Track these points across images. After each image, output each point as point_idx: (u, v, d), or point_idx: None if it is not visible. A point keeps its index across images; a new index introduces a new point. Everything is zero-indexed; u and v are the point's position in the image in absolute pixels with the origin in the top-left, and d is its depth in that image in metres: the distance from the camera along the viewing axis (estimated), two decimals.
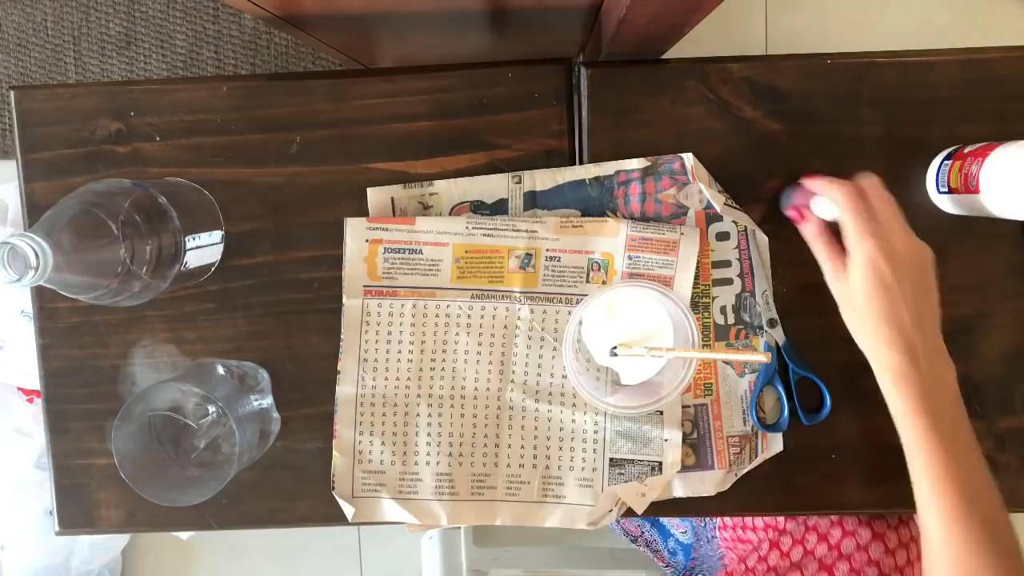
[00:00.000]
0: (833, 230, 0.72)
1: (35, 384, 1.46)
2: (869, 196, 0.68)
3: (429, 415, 0.82)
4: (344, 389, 0.82)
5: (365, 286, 0.82)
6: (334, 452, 0.83)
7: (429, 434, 0.82)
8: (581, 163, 0.83)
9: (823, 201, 0.73)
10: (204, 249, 0.80)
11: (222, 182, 0.84)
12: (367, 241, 0.82)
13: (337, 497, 0.83)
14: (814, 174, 0.73)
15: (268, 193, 0.84)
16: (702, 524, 1.09)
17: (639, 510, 0.81)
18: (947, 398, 0.65)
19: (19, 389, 1.51)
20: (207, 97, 0.83)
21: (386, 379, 0.82)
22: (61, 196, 0.69)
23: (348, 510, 0.82)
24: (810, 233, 0.71)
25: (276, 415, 0.82)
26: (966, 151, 0.75)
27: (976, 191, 0.71)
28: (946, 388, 0.65)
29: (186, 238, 0.75)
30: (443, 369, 0.82)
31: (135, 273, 0.68)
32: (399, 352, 0.82)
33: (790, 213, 0.76)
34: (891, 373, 0.65)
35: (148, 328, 0.85)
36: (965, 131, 0.80)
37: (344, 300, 0.82)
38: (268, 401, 0.82)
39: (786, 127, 0.81)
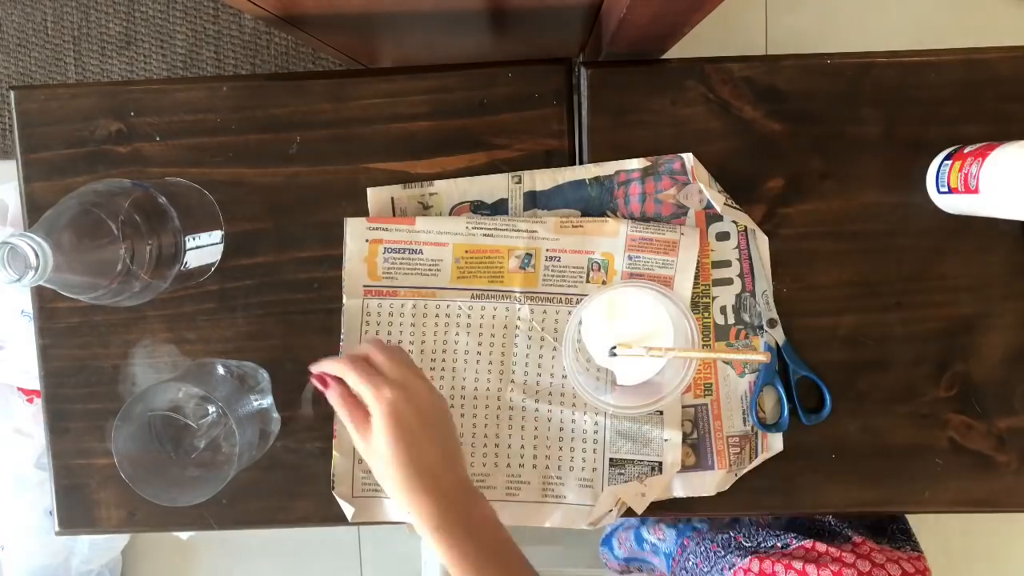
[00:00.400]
0: None
1: (35, 384, 1.46)
2: (372, 355, 0.67)
3: None
4: None
5: (365, 286, 0.82)
6: (334, 452, 0.83)
7: None
8: (581, 163, 0.83)
9: None
10: (204, 249, 0.80)
11: (222, 182, 0.84)
12: (367, 241, 0.82)
13: (337, 497, 0.83)
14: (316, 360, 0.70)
15: (268, 193, 0.83)
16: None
17: (639, 510, 0.81)
18: (488, 533, 0.65)
19: (19, 389, 1.51)
20: (207, 97, 0.83)
21: None
22: (61, 196, 0.69)
23: (348, 510, 0.82)
24: (334, 399, 0.67)
25: (276, 415, 0.82)
26: (966, 151, 0.75)
27: (976, 191, 0.71)
28: (486, 523, 0.65)
29: (186, 238, 0.75)
30: (443, 369, 0.82)
31: (135, 273, 0.68)
32: None
33: (314, 381, 0.69)
34: (424, 517, 0.63)
35: (148, 328, 0.85)
36: (965, 131, 0.80)
37: (344, 300, 0.82)
38: (268, 401, 0.82)
39: (786, 127, 0.81)
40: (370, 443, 0.65)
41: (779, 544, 0.94)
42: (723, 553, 1.04)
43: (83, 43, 1.74)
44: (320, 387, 0.68)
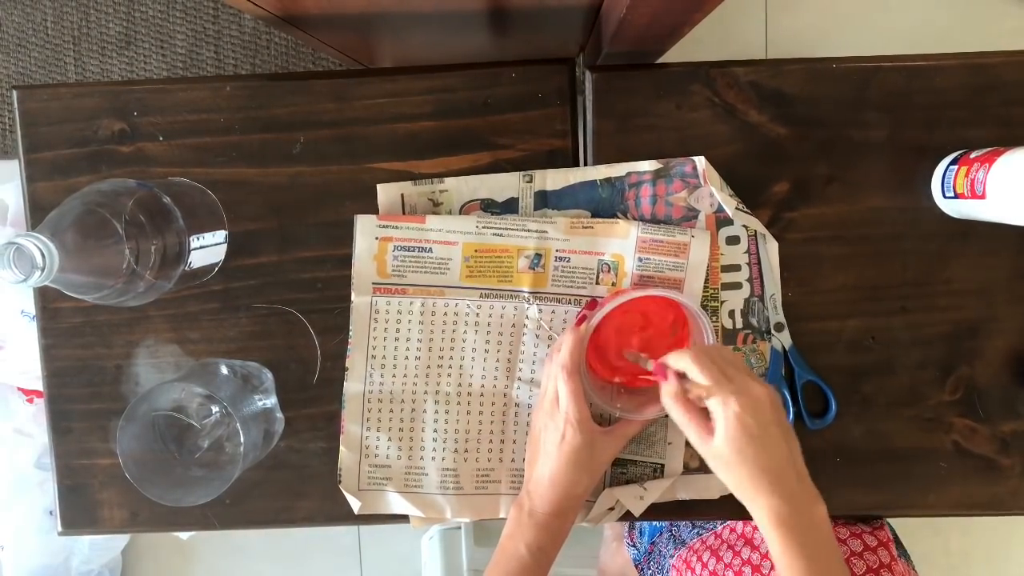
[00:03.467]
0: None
1: (35, 384, 1.47)
2: (717, 358, 0.69)
3: (436, 411, 0.82)
4: (352, 386, 0.82)
5: (374, 283, 0.82)
6: (341, 447, 0.83)
7: (435, 430, 0.82)
8: (585, 163, 0.83)
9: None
10: (208, 249, 0.79)
11: (225, 182, 0.83)
12: (377, 239, 0.81)
13: (343, 490, 0.83)
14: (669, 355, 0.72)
15: (271, 193, 0.83)
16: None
17: (637, 512, 0.81)
18: (823, 538, 0.66)
19: (19, 389, 1.50)
20: (210, 97, 0.83)
21: (394, 376, 0.82)
22: (64, 196, 0.69)
23: (354, 503, 0.83)
24: (669, 396, 0.70)
25: (280, 415, 0.82)
26: (972, 156, 0.75)
27: (983, 196, 0.71)
28: (821, 527, 0.66)
29: (190, 238, 0.75)
30: (450, 367, 0.82)
31: (139, 273, 0.68)
32: (407, 349, 0.82)
33: (656, 374, 0.72)
34: (772, 519, 0.65)
35: (151, 328, 0.84)
36: (971, 136, 0.80)
37: (353, 297, 0.82)
38: (272, 401, 0.82)
39: (792, 131, 0.81)
40: (710, 445, 0.67)
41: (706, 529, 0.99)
42: (668, 547, 1.06)
43: (83, 43, 1.74)
44: (657, 377, 0.71)
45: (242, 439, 0.73)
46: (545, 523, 0.75)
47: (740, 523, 0.94)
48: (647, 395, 0.79)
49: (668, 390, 0.70)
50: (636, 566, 1.19)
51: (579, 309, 0.81)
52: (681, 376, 0.70)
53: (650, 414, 0.77)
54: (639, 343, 0.80)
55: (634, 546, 1.22)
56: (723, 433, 0.66)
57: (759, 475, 0.65)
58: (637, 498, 0.81)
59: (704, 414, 0.68)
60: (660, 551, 1.11)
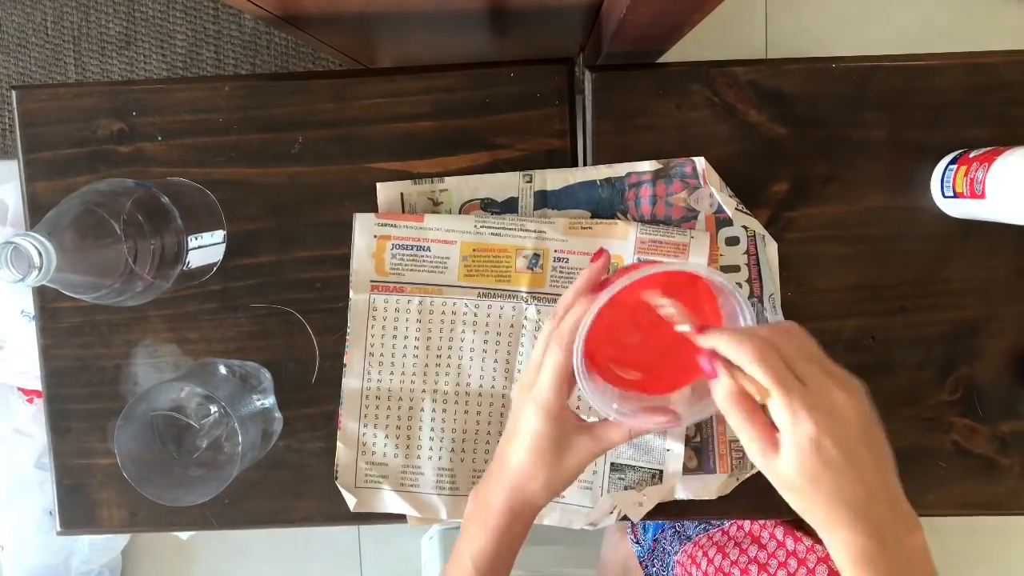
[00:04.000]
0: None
1: (35, 384, 1.47)
2: (786, 350, 0.53)
3: (433, 410, 0.82)
4: (350, 382, 0.82)
5: (372, 281, 0.82)
6: (338, 443, 0.83)
7: (432, 429, 0.82)
8: (584, 163, 0.83)
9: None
10: (206, 249, 0.79)
11: (224, 182, 0.83)
12: (376, 237, 0.81)
13: (340, 487, 0.83)
14: (706, 327, 0.57)
15: (270, 193, 0.83)
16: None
17: (636, 519, 0.81)
18: (919, 568, 0.54)
19: (19, 389, 1.51)
20: (209, 97, 0.83)
21: (391, 374, 0.82)
22: (63, 196, 0.68)
23: (350, 500, 0.83)
24: (724, 398, 0.54)
25: (278, 415, 0.82)
26: (972, 156, 0.74)
27: (982, 196, 0.71)
28: (916, 560, 0.53)
29: (188, 238, 0.75)
30: (448, 366, 0.82)
31: (138, 273, 0.68)
32: (405, 348, 0.82)
33: (703, 364, 0.56)
34: (852, 557, 0.52)
35: (150, 328, 0.84)
36: (970, 135, 0.80)
37: (351, 294, 0.82)
38: (270, 401, 0.82)
39: (792, 131, 0.81)
40: (775, 465, 0.53)
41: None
42: (673, 543, 1.06)
43: (83, 43, 1.74)
44: (707, 368, 0.55)
45: (240, 439, 0.73)
46: (494, 523, 0.63)
47: (748, 521, 0.94)
48: (651, 400, 0.67)
49: (723, 389, 0.54)
50: (640, 562, 1.19)
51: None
52: (734, 366, 0.54)
53: (650, 424, 0.63)
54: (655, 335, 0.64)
55: (638, 542, 1.22)
56: (792, 458, 0.52)
57: (839, 507, 0.52)
58: (636, 504, 0.81)
59: (769, 420, 0.54)
60: (664, 548, 1.11)
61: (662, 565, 1.10)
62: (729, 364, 0.54)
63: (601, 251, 0.64)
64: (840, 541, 0.53)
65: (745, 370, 0.53)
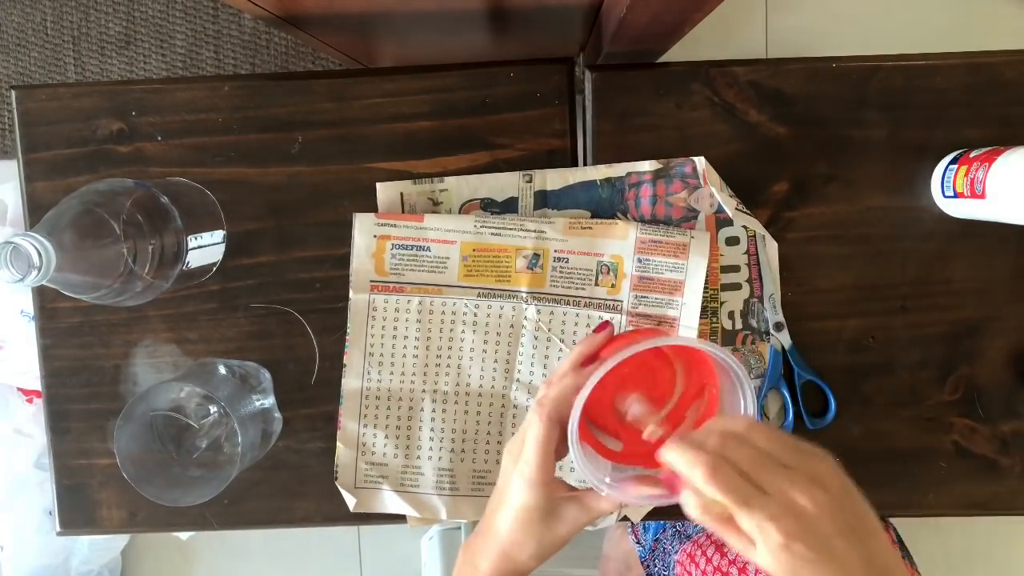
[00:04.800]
0: None
1: (35, 384, 1.47)
2: (740, 460, 0.51)
3: (433, 411, 0.82)
4: (349, 382, 0.82)
5: (372, 281, 0.82)
6: (338, 443, 0.83)
7: (432, 429, 0.82)
8: (584, 163, 0.83)
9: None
10: (206, 249, 0.79)
11: (224, 182, 0.83)
12: (375, 237, 0.81)
13: (340, 487, 0.83)
14: (662, 439, 0.55)
15: (270, 193, 0.83)
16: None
17: (636, 518, 0.81)
18: None
19: (19, 389, 1.50)
20: (209, 97, 0.83)
21: (391, 373, 0.82)
22: (62, 196, 0.68)
23: (350, 500, 0.83)
24: (694, 510, 0.52)
25: (278, 415, 0.82)
26: (972, 155, 0.74)
27: (983, 196, 0.71)
28: None
29: (188, 238, 0.75)
30: (448, 366, 0.82)
31: (137, 273, 0.68)
32: (404, 347, 0.82)
33: (666, 478, 0.55)
34: None
35: (150, 328, 0.84)
36: (970, 135, 0.80)
37: (351, 294, 0.82)
38: (270, 401, 0.82)
39: (792, 131, 0.81)
40: (758, 563, 0.51)
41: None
42: (673, 542, 1.07)
43: (83, 43, 1.74)
44: (671, 483, 0.54)
45: (240, 439, 0.73)
46: None
47: None
48: (644, 471, 0.63)
49: (691, 502, 0.52)
50: (641, 562, 1.19)
51: (578, 311, 0.81)
52: None
53: (643, 498, 0.59)
54: (650, 402, 0.63)
55: (639, 543, 1.22)
56: (769, 563, 0.50)
57: None
58: (636, 505, 0.81)
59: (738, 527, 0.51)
60: (664, 547, 1.11)
61: (663, 565, 1.10)
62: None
63: (605, 324, 0.63)
64: None
65: (706, 493, 0.51)
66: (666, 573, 1.09)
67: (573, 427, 0.57)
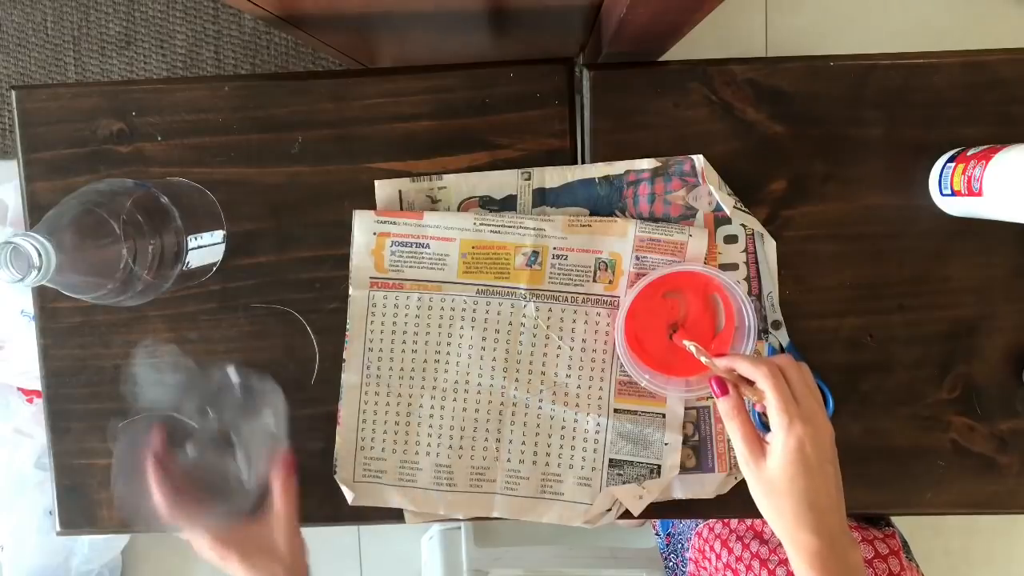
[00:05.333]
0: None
1: (35, 384, 1.47)
2: (789, 375, 0.66)
3: (432, 407, 0.82)
4: (349, 377, 0.83)
5: (372, 278, 0.82)
6: (337, 437, 0.83)
7: (431, 425, 0.82)
8: (583, 162, 0.83)
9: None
10: (206, 249, 0.79)
11: (224, 182, 0.83)
12: (375, 234, 0.82)
13: (338, 481, 0.83)
14: (726, 355, 0.71)
15: (270, 193, 0.83)
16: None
17: (636, 512, 0.81)
18: None
19: (19, 389, 1.51)
20: (209, 97, 0.83)
21: (391, 370, 0.82)
22: (62, 196, 0.68)
23: (348, 494, 0.83)
24: (727, 410, 0.67)
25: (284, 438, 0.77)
26: (969, 154, 0.75)
27: (980, 194, 0.71)
28: (858, 570, 0.64)
29: (188, 238, 0.75)
30: (447, 362, 0.82)
31: (137, 273, 0.68)
32: (404, 344, 0.82)
33: (711, 385, 0.69)
34: (809, 556, 0.63)
35: (150, 328, 0.84)
36: (968, 133, 0.80)
37: (351, 291, 0.82)
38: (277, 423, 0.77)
39: (789, 129, 0.81)
40: (762, 469, 0.64)
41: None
42: (688, 529, 1.08)
43: (83, 43, 1.74)
44: (716, 390, 0.68)
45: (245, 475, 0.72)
46: None
47: None
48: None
49: (727, 403, 0.67)
50: (661, 554, 1.21)
51: (576, 307, 0.81)
52: (741, 385, 0.68)
53: (674, 387, 0.79)
54: (679, 328, 0.79)
55: (657, 534, 1.24)
56: (779, 457, 0.63)
57: (805, 511, 0.63)
58: (636, 498, 0.81)
59: (759, 437, 0.66)
60: (679, 542, 1.12)
61: (680, 560, 1.11)
62: (734, 383, 0.68)
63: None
64: (800, 544, 0.63)
65: (757, 384, 0.66)
66: (682, 567, 1.10)
67: (620, 331, 0.78)
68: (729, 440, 0.82)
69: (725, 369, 0.69)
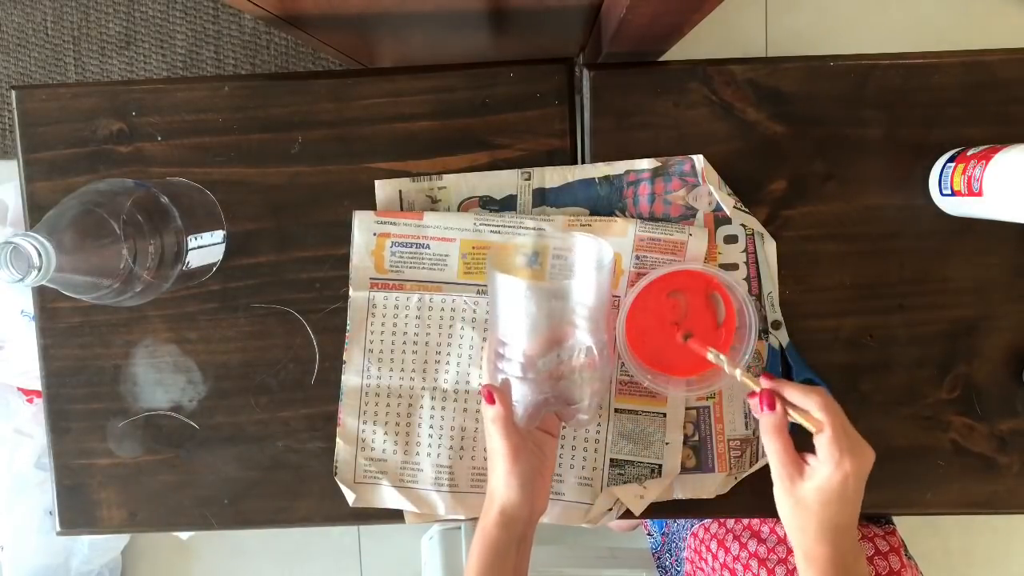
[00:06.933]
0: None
1: (35, 384, 1.47)
2: (835, 407, 0.68)
3: (432, 408, 0.82)
4: (349, 379, 0.83)
5: (372, 279, 0.82)
6: (337, 439, 0.83)
7: (431, 426, 0.82)
8: (583, 162, 0.83)
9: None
10: (206, 249, 0.79)
11: (224, 182, 0.83)
12: (375, 235, 0.82)
13: (339, 482, 0.83)
14: (773, 377, 0.70)
15: (270, 193, 0.83)
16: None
17: (636, 511, 0.81)
18: None
19: (19, 389, 1.51)
20: (209, 97, 0.83)
21: (391, 371, 0.82)
22: (62, 196, 0.68)
23: (349, 495, 0.83)
24: (771, 427, 0.68)
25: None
26: (969, 154, 0.75)
27: (980, 194, 0.71)
28: None
29: (188, 238, 0.75)
30: (447, 363, 0.82)
31: (137, 273, 0.68)
32: (404, 344, 0.82)
33: (755, 401, 0.70)
34: (819, 565, 0.66)
35: (150, 328, 0.84)
36: (968, 133, 0.80)
37: (351, 292, 0.82)
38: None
39: (789, 129, 0.81)
40: (796, 487, 0.67)
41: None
42: (683, 530, 1.08)
43: (83, 43, 1.74)
44: (764, 406, 0.69)
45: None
46: None
47: None
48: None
49: (772, 420, 0.68)
50: (653, 554, 1.20)
51: None
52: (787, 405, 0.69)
53: (675, 387, 0.79)
54: (682, 328, 0.79)
55: (650, 535, 1.23)
56: (820, 483, 0.65)
57: (830, 529, 0.66)
58: (637, 497, 0.81)
59: (798, 458, 0.68)
60: (674, 542, 1.12)
61: (675, 560, 1.11)
62: (783, 402, 0.69)
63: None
64: (815, 554, 0.67)
65: (812, 413, 0.67)
66: (678, 567, 1.10)
67: (621, 330, 0.77)
68: (729, 440, 0.82)
69: (768, 389, 0.70)
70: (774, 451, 0.68)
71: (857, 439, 0.66)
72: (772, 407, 0.69)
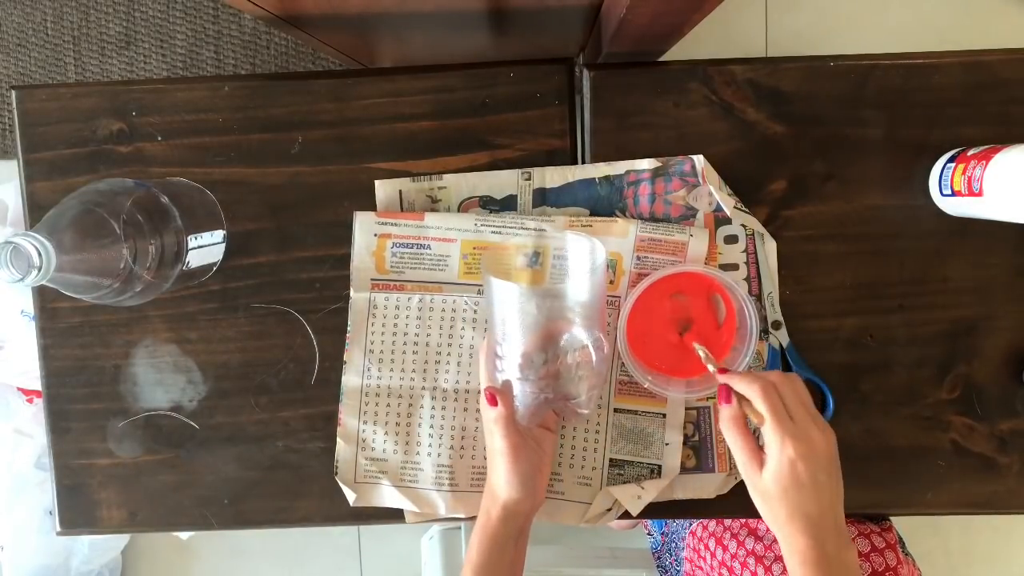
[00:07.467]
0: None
1: (35, 384, 1.47)
2: (784, 393, 0.68)
3: (432, 408, 0.82)
4: (349, 379, 0.83)
5: (372, 280, 0.82)
6: (338, 439, 0.83)
7: (432, 426, 0.82)
8: (583, 162, 0.83)
9: None
10: (206, 249, 0.79)
11: (224, 182, 0.83)
12: (376, 235, 0.82)
13: (339, 482, 0.83)
14: (726, 370, 0.72)
15: (270, 193, 0.83)
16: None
17: (634, 512, 0.81)
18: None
19: (19, 389, 1.51)
20: (209, 97, 0.83)
21: (391, 371, 0.82)
22: (63, 196, 0.68)
23: (350, 495, 0.83)
24: (728, 420, 0.70)
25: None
26: (969, 154, 0.75)
27: (980, 194, 0.71)
28: (849, 570, 0.67)
29: (188, 238, 0.75)
30: (448, 363, 0.82)
31: (137, 273, 0.68)
32: (404, 345, 0.82)
33: (720, 394, 0.72)
34: (800, 558, 0.66)
35: (150, 328, 0.84)
36: (968, 133, 0.80)
37: (351, 293, 0.82)
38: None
39: (789, 129, 0.81)
40: (759, 477, 0.68)
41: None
42: (682, 528, 1.08)
43: (83, 43, 1.74)
44: (721, 400, 0.71)
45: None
46: None
47: None
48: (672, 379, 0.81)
49: (728, 413, 0.70)
50: (653, 553, 1.20)
51: None
52: (742, 398, 0.70)
53: (673, 388, 0.79)
54: (683, 330, 0.80)
55: (650, 534, 1.23)
56: (773, 472, 0.66)
57: (799, 518, 0.66)
58: (635, 497, 0.81)
59: (757, 444, 0.69)
60: (674, 542, 1.12)
61: (675, 560, 1.11)
62: (739, 395, 0.70)
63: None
64: (794, 546, 0.67)
65: (753, 403, 0.68)
66: (677, 567, 1.10)
67: (622, 334, 0.78)
68: None
69: (723, 389, 0.72)
70: (733, 444, 0.70)
71: (805, 424, 0.67)
72: (728, 400, 0.70)
